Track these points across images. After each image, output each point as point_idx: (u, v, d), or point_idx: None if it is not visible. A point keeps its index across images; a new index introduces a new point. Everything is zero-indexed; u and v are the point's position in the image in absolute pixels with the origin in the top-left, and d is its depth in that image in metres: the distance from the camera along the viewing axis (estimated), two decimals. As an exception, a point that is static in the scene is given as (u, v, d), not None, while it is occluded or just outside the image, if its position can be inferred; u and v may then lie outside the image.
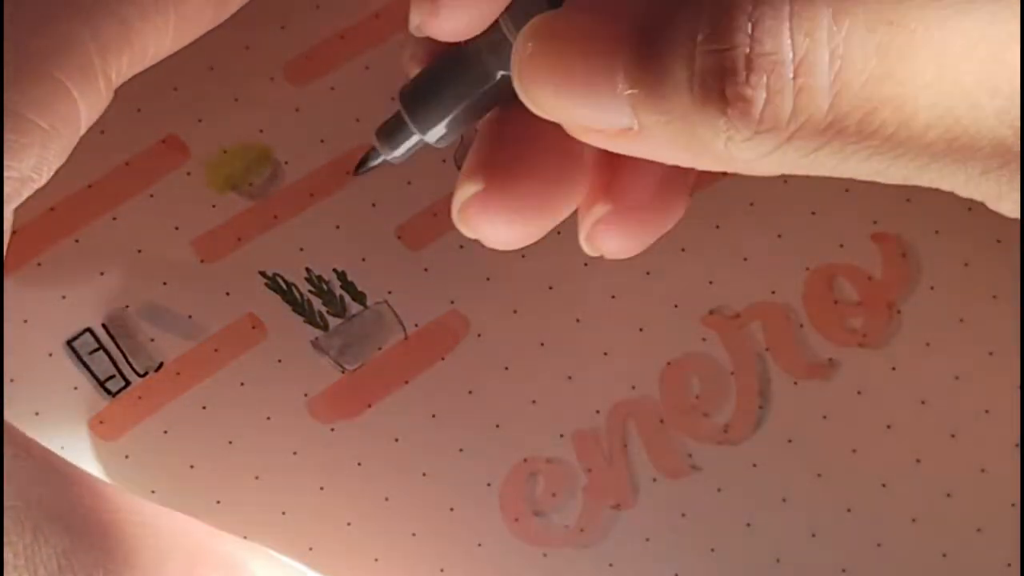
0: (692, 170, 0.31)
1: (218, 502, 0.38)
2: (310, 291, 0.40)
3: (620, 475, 0.39)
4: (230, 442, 0.38)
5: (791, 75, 0.27)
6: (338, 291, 0.40)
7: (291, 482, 0.38)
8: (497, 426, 0.39)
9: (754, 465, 0.39)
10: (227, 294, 0.39)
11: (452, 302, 0.39)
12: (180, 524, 0.34)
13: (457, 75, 0.33)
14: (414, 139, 0.34)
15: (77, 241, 0.39)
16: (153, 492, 0.38)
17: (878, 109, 0.27)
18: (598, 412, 0.39)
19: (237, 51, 0.41)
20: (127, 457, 0.38)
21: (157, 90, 0.40)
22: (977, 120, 0.27)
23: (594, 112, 0.29)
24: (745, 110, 0.28)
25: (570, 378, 0.39)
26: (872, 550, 0.38)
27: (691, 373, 0.39)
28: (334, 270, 0.40)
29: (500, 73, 0.32)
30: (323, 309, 0.39)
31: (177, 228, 0.40)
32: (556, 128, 0.31)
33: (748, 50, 0.27)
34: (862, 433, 0.39)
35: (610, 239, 0.35)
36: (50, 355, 0.39)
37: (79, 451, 0.38)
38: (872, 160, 0.28)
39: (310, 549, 0.38)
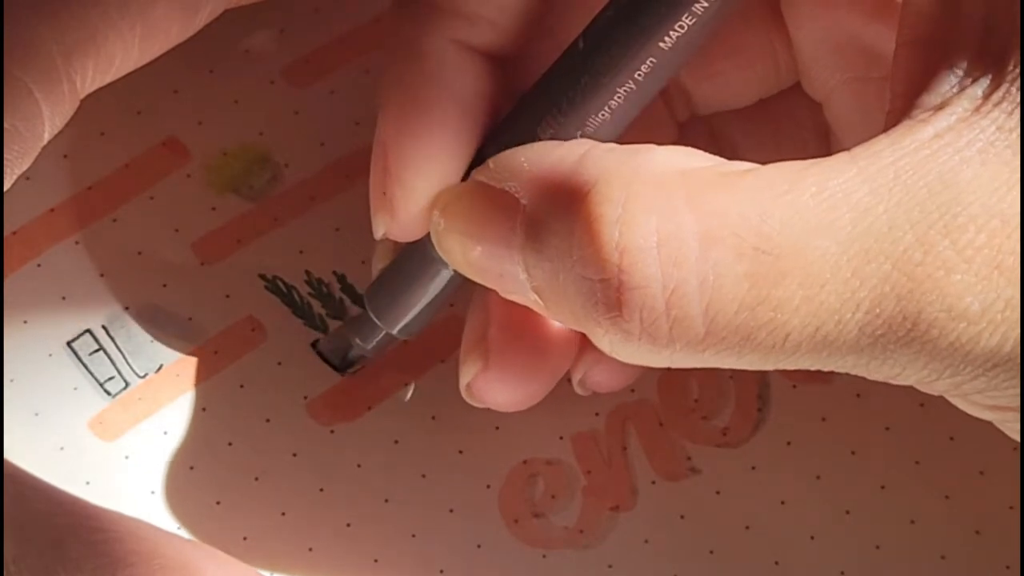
0: None
1: (218, 503, 0.38)
2: (310, 293, 0.40)
3: (619, 477, 0.39)
4: (230, 443, 0.38)
5: (663, 306, 0.29)
6: (338, 293, 0.40)
7: (291, 483, 0.38)
8: (496, 428, 0.39)
9: (753, 468, 0.39)
10: (227, 296, 0.39)
11: (451, 305, 0.39)
12: (136, 529, 0.33)
13: (414, 274, 0.36)
14: (382, 334, 0.37)
15: (77, 242, 0.39)
16: (153, 493, 0.38)
17: (755, 332, 0.29)
18: (597, 414, 0.39)
19: (237, 54, 0.41)
20: (127, 458, 0.38)
21: (157, 92, 0.40)
22: (843, 335, 0.30)
23: (508, 291, 0.32)
24: (624, 332, 0.30)
25: (570, 380, 0.39)
26: (871, 552, 0.38)
27: (690, 376, 0.39)
28: (334, 272, 0.40)
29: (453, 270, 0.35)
30: (323, 311, 0.39)
31: (177, 230, 0.40)
32: None
33: (618, 284, 0.29)
34: (861, 435, 0.39)
35: (596, 382, 0.38)
36: (50, 356, 0.39)
37: (79, 451, 0.38)
38: (752, 359, 0.30)
39: (310, 550, 0.38)
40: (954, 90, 0.30)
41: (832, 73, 0.36)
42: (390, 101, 0.35)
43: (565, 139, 0.32)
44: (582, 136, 0.33)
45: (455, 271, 0.34)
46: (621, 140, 0.32)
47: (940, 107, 0.30)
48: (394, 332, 0.37)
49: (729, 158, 0.31)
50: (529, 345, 0.36)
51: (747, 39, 0.36)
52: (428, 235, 0.34)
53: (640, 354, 0.30)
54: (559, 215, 0.30)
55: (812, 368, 0.31)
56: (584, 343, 0.37)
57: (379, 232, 0.35)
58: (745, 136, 0.38)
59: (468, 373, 0.37)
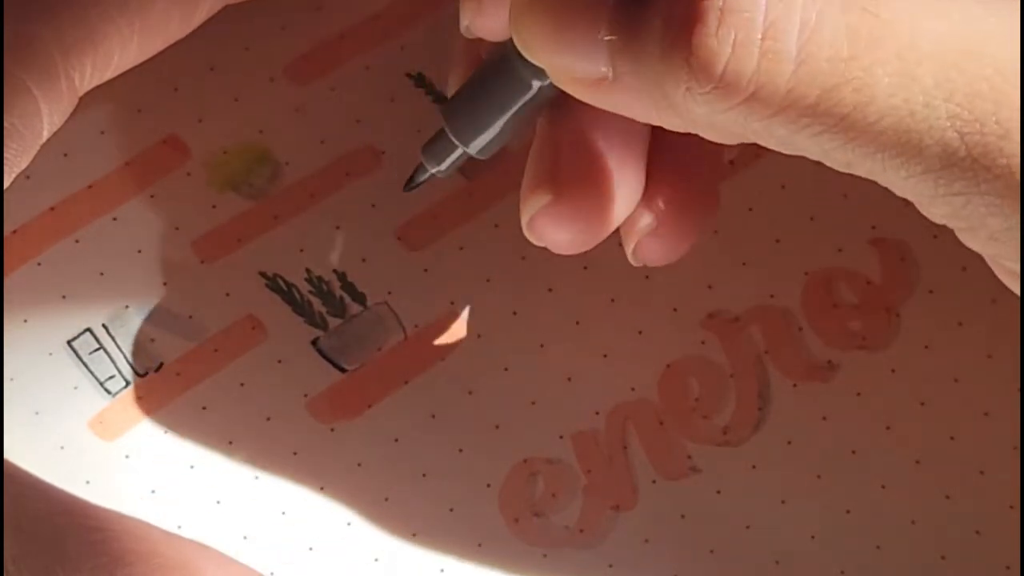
0: (719, 166, 0.33)
1: (218, 502, 0.38)
2: (310, 292, 0.40)
3: (620, 476, 0.39)
4: (230, 442, 0.38)
5: (759, 36, 0.28)
6: (338, 292, 0.40)
7: (291, 482, 0.38)
8: (497, 427, 0.39)
9: (753, 467, 0.39)
10: (227, 295, 0.39)
11: (452, 303, 0.39)
12: (135, 529, 0.33)
13: (495, 88, 0.34)
14: (458, 152, 0.35)
15: (77, 241, 0.39)
16: (153, 492, 0.38)
17: (839, 88, 0.28)
18: (598, 414, 0.39)
19: (237, 51, 0.41)
20: (127, 457, 0.38)
21: (157, 90, 0.40)
22: (929, 119, 0.28)
23: (575, 59, 0.30)
24: (708, 61, 0.28)
25: (570, 380, 0.39)
26: (871, 552, 0.38)
27: (690, 375, 0.39)
28: (334, 271, 0.40)
29: (536, 83, 0.33)
30: (323, 310, 0.39)
31: (177, 228, 0.40)
32: (610, 134, 0.31)
33: (722, 3, 0.28)
34: (861, 435, 0.39)
35: (651, 249, 0.36)
36: (50, 355, 0.38)
37: (78, 451, 0.38)
38: (822, 138, 0.29)
39: (310, 549, 0.38)
40: None
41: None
42: None
43: None
44: None
45: (539, 87, 0.33)
46: None
47: None
48: (472, 151, 0.35)
49: None
50: (596, 184, 0.35)
51: None
52: (511, 47, 0.32)
53: (712, 100, 0.29)
54: None
55: (870, 176, 0.29)
56: (645, 198, 0.36)
57: (463, 24, 0.34)
58: None
59: (533, 207, 0.35)
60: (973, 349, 0.40)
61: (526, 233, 0.36)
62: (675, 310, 0.40)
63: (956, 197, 0.29)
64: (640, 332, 0.40)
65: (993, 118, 0.28)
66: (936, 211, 0.30)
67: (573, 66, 0.31)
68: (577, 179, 0.35)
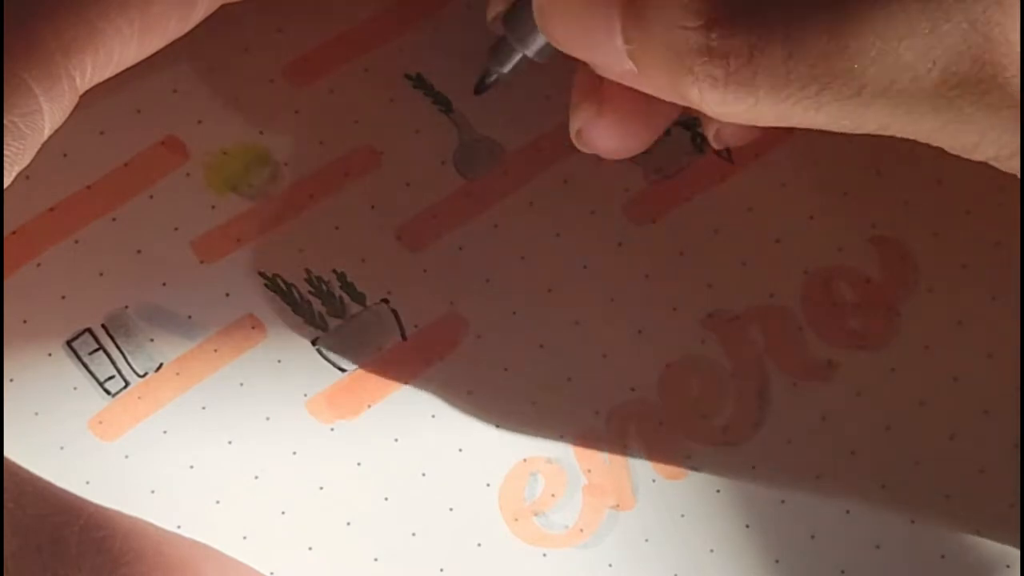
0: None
1: (217, 502, 0.38)
2: (310, 292, 0.40)
3: (619, 476, 0.39)
4: (229, 442, 0.38)
5: (748, 53, 0.31)
6: (337, 292, 0.40)
7: (290, 482, 0.38)
8: (497, 426, 0.39)
9: (753, 466, 0.39)
10: (227, 295, 0.39)
11: (452, 303, 0.39)
12: (135, 527, 0.33)
13: None
14: (519, 56, 0.38)
15: (77, 241, 0.39)
16: (153, 492, 0.38)
17: (831, 82, 0.31)
18: (597, 413, 0.39)
19: (237, 52, 0.41)
20: (127, 457, 0.38)
21: (157, 91, 0.40)
22: (918, 90, 0.31)
23: (601, 59, 0.34)
24: (712, 78, 0.31)
25: (569, 379, 0.39)
26: (871, 551, 0.38)
27: (690, 375, 0.39)
28: (334, 271, 0.40)
29: None
30: (323, 310, 0.39)
31: (177, 229, 0.40)
32: None
33: (710, 32, 0.31)
34: (861, 435, 0.39)
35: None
36: (50, 355, 0.38)
37: (78, 451, 0.38)
38: (827, 110, 0.31)
39: (309, 549, 0.38)
40: None
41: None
42: None
43: None
44: None
45: None
46: None
47: None
48: (530, 54, 0.38)
49: None
50: (636, 95, 0.36)
51: None
52: None
53: (728, 103, 0.32)
54: None
55: (896, 131, 0.32)
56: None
57: None
58: None
59: (581, 118, 0.38)
60: (973, 349, 0.40)
61: (576, 143, 0.38)
62: (675, 310, 0.40)
63: (983, 146, 0.32)
64: (640, 332, 0.40)
65: (976, 76, 0.30)
66: (942, 140, 0.32)
67: (600, 64, 0.34)
68: (619, 93, 0.36)
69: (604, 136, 0.38)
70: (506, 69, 0.38)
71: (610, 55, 0.33)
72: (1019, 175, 0.32)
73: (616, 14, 0.32)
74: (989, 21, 0.30)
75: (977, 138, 0.31)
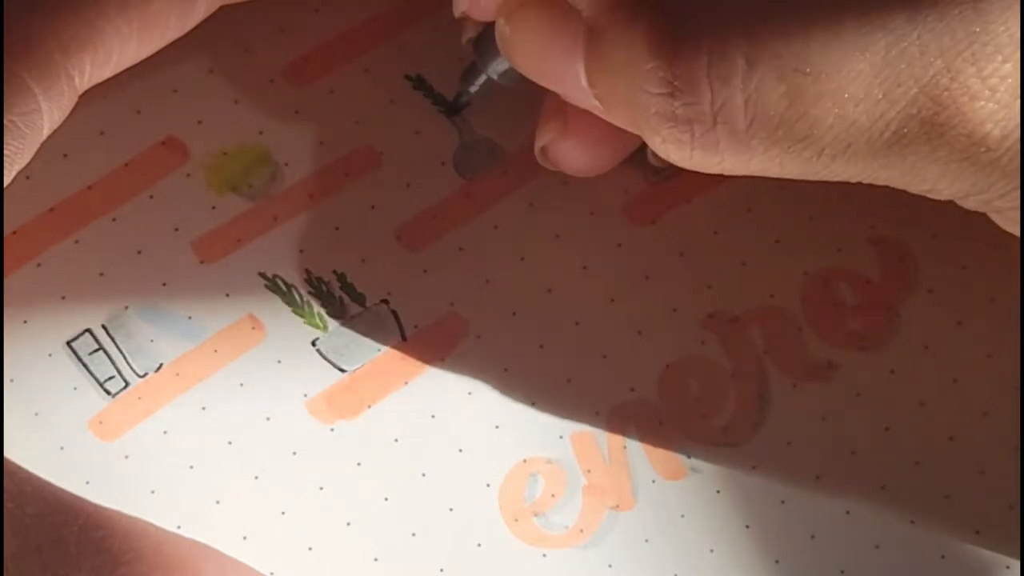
0: None
1: (217, 502, 0.38)
2: (309, 292, 0.40)
3: (619, 476, 0.39)
4: (229, 442, 0.38)
5: (711, 121, 0.32)
6: (337, 292, 0.40)
7: (290, 482, 0.38)
8: (496, 427, 0.39)
9: (753, 467, 0.39)
10: (227, 295, 0.39)
11: (451, 304, 0.39)
12: (134, 527, 0.33)
13: None
14: (484, 78, 0.39)
15: (77, 242, 0.39)
16: (153, 492, 0.38)
17: (792, 147, 0.32)
18: (597, 414, 0.39)
19: (237, 53, 0.41)
20: (127, 457, 0.38)
21: (157, 91, 0.40)
22: (872, 151, 0.32)
23: (567, 94, 0.34)
24: (678, 142, 0.32)
25: (569, 380, 0.39)
26: (871, 551, 0.38)
27: (690, 375, 0.39)
28: (333, 271, 0.40)
29: None
30: (322, 310, 0.39)
31: (177, 229, 0.40)
32: None
33: (674, 100, 0.31)
34: (861, 435, 0.39)
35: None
36: (50, 355, 0.38)
37: (78, 451, 0.38)
38: (788, 168, 0.32)
39: (309, 549, 0.38)
40: None
41: None
42: None
43: None
44: None
45: None
46: None
47: None
48: (496, 78, 0.38)
49: None
50: (599, 118, 0.36)
51: None
52: None
53: (694, 161, 0.33)
54: (619, 28, 0.32)
55: (857, 179, 0.33)
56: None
57: (458, 11, 0.37)
58: None
59: (546, 137, 0.38)
60: (973, 349, 0.40)
61: (540, 160, 0.39)
62: (675, 310, 0.40)
63: (937, 190, 0.33)
64: (640, 332, 0.40)
65: (925, 137, 0.31)
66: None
67: (566, 96, 0.35)
68: (584, 114, 0.36)
69: (569, 156, 0.38)
70: (473, 90, 0.39)
71: (576, 93, 0.34)
72: (983, 212, 0.34)
73: (579, 54, 0.33)
74: (937, 85, 0.31)
75: (930, 186, 0.33)
